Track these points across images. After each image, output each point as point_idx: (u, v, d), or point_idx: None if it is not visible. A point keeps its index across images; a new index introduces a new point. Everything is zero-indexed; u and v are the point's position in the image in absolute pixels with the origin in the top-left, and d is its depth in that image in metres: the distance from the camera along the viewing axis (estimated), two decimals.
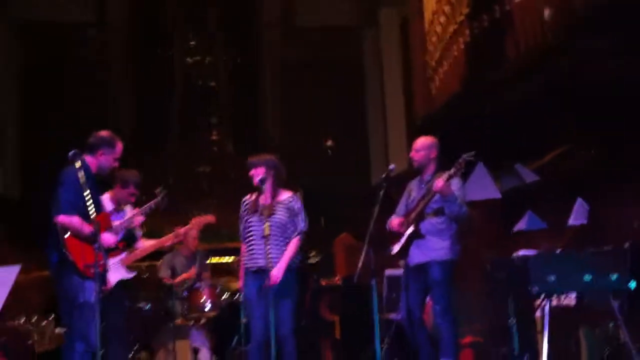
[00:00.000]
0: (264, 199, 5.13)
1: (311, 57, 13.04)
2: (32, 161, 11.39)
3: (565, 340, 5.32)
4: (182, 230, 5.55)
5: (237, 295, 6.79)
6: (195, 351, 6.11)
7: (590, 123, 6.64)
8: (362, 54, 13.10)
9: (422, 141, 5.45)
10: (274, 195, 5.14)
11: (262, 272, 4.97)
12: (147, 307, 6.29)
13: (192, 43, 13.46)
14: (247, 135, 13.15)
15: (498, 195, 7.29)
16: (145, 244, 5.41)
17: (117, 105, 12.65)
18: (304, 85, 12.97)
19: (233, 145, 13.21)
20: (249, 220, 5.13)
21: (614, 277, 4.38)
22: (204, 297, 6.51)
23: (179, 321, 6.35)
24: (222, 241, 10.64)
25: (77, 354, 4.42)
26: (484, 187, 7.33)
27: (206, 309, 6.51)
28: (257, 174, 5.10)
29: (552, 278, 4.40)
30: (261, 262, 4.99)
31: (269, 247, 4.91)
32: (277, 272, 4.96)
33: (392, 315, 6.42)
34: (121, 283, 5.14)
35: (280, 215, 5.09)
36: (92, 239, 4.33)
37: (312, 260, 7.13)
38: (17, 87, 11.68)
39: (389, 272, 6.67)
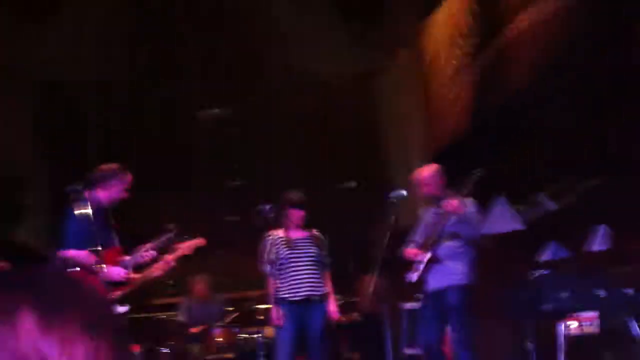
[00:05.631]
0: (295, 234, 5.39)
1: (324, 107, 12.97)
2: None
3: None
4: (170, 257, 5.30)
5: (255, 335, 6.69)
6: None
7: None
8: (376, 99, 13.03)
9: (427, 173, 5.40)
10: (308, 229, 5.48)
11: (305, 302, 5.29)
12: (166, 351, 6.22)
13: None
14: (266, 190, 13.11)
15: (521, 227, 7.15)
16: (135, 277, 5.22)
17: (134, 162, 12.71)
18: (319, 135, 12.85)
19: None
20: (285, 255, 5.32)
21: (629, 291, 4.25)
22: (221, 339, 6.44)
23: None
24: (241, 290, 10.51)
25: None
26: (506, 219, 7.21)
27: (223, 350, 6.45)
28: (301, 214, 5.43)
29: (566, 294, 4.28)
30: (303, 293, 5.28)
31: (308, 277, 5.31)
32: (334, 308, 5.36)
33: (412, 351, 6.25)
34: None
35: (318, 248, 5.42)
36: (97, 271, 4.36)
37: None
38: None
39: (408, 305, 6.54)
